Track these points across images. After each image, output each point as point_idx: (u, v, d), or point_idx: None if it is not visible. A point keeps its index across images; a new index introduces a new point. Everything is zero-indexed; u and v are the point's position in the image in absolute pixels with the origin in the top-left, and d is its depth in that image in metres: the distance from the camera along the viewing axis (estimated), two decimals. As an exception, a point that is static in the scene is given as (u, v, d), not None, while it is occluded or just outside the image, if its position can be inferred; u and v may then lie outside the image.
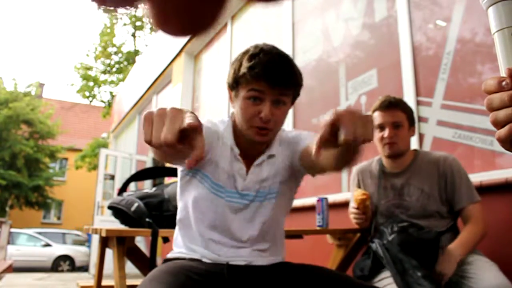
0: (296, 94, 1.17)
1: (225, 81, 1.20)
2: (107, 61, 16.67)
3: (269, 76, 1.07)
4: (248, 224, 1.16)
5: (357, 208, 1.69)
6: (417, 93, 2.34)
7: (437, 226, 1.59)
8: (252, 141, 1.16)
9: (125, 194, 1.93)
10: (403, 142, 1.65)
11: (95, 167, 13.93)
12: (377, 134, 1.70)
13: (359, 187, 1.83)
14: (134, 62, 15.22)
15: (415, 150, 1.73)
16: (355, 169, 1.88)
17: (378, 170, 1.75)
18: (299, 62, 3.48)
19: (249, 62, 1.08)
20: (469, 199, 1.56)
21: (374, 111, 1.70)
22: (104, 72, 16.63)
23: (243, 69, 1.09)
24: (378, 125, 1.69)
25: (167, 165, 1.21)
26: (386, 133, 1.66)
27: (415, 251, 1.53)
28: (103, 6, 0.19)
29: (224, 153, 1.15)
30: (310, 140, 1.15)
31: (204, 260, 1.11)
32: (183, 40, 5.73)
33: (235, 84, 1.13)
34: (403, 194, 1.65)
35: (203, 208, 1.15)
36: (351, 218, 1.79)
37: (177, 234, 1.22)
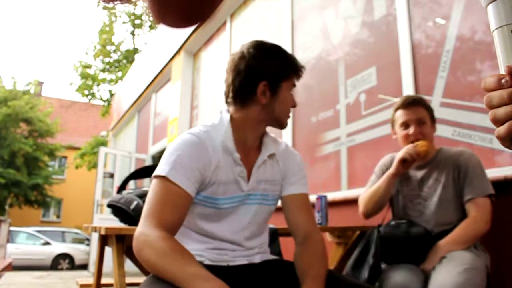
0: None
1: (261, 78, 1.18)
2: (106, 59, 16.65)
3: (300, 70, 1.25)
4: (248, 225, 1.17)
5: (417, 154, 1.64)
6: (416, 91, 2.34)
7: (456, 219, 1.59)
8: (260, 132, 1.23)
9: (124, 192, 1.94)
10: (427, 138, 1.68)
11: (94, 166, 13.93)
12: (401, 132, 1.71)
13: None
14: (133, 60, 15.20)
15: (440, 147, 1.76)
16: (388, 156, 1.89)
17: None
18: (298, 60, 3.47)
19: (294, 58, 1.25)
20: (477, 192, 1.56)
21: (396, 109, 1.74)
22: (103, 70, 16.62)
23: (295, 66, 1.24)
24: (402, 123, 1.70)
25: None
26: (411, 130, 1.67)
27: (401, 246, 1.58)
28: (103, 2, 0.20)
29: (222, 163, 1.13)
30: (299, 190, 1.24)
31: (206, 262, 1.11)
32: (182, 37, 5.73)
33: (280, 77, 1.21)
34: (423, 185, 1.70)
35: (205, 222, 1.14)
36: (407, 149, 1.66)
37: (177, 236, 1.21)
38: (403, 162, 1.65)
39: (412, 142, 1.68)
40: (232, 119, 1.19)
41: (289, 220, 1.22)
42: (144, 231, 0.96)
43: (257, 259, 1.17)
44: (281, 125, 1.24)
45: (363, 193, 1.83)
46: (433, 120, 1.74)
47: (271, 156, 1.23)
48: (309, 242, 1.14)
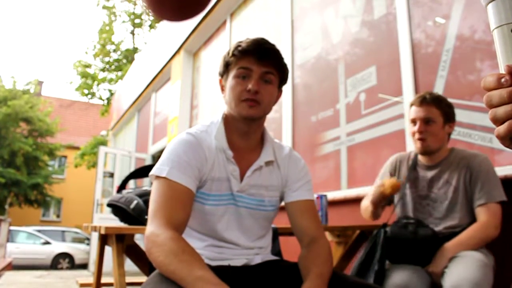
0: (282, 79, 1.22)
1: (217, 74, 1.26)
2: (106, 59, 16.64)
3: (255, 51, 1.15)
4: (243, 227, 1.17)
5: (383, 188, 1.65)
6: (416, 90, 2.34)
7: (465, 222, 1.60)
8: (244, 127, 1.18)
9: (124, 191, 1.93)
10: (433, 138, 1.67)
11: (94, 165, 13.93)
12: (410, 128, 1.74)
13: (394, 173, 1.84)
14: (133, 59, 15.20)
15: (452, 148, 1.75)
16: (394, 156, 1.90)
17: (412, 160, 1.79)
18: (298, 59, 3.48)
19: (237, 44, 1.19)
20: (489, 197, 1.56)
21: (411, 105, 1.75)
22: (103, 69, 16.61)
23: (231, 51, 1.18)
24: (412, 119, 1.72)
25: None
26: (416, 127, 1.69)
27: (408, 247, 1.57)
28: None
29: (217, 161, 1.15)
30: (302, 196, 1.22)
31: (205, 261, 1.11)
32: (182, 37, 5.72)
33: (225, 68, 1.21)
34: (432, 186, 1.69)
35: (202, 220, 1.14)
36: (372, 194, 1.70)
37: None
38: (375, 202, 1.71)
39: (419, 139, 1.68)
40: (225, 116, 1.22)
41: (294, 225, 1.21)
42: (154, 230, 0.97)
43: (257, 259, 1.16)
44: (240, 116, 1.16)
45: (363, 200, 1.83)
46: (448, 119, 1.70)
47: (269, 163, 1.22)
48: (315, 245, 1.14)
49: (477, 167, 1.61)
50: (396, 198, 1.81)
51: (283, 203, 1.27)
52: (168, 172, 1.06)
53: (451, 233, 1.58)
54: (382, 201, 1.69)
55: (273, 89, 1.19)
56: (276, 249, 1.53)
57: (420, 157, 1.78)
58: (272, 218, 1.25)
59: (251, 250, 1.17)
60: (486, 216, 1.54)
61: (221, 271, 0.98)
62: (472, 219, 1.59)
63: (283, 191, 1.25)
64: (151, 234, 0.96)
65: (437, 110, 1.67)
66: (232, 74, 1.17)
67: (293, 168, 1.26)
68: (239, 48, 1.16)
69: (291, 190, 1.24)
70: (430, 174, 1.71)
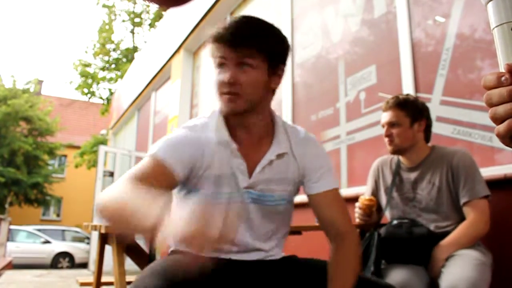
0: (273, 57, 1.07)
1: None
2: (106, 58, 16.63)
3: (226, 38, 1.02)
4: (257, 228, 1.10)
5: (363, 211, 1.78)
6: (416, 89, 2.34)
7: (454, 221, 1.60)
8: (239, 121, 1.10)
9: (124, 190, 1.93)
10: (401, 139, 1.70)
11: (94, 164, 13.93)
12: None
13: (378, 179, 1.87)
14: (132, 58, 15.18)
15: (432, 146, 1.76)
16: (375, 162, 1.92)
17: (395, 163, 1.81)
18: (298, 58, 3.47)
19: (214, 29, 1.06)
20: (473, 194, 1.56)
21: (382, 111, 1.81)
22: (102, 69, 16.59)
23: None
24: (381, 125, 1.78)
25: None
26: (384, 132, 1.76)
27: (404, 246, 1.58)
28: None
29: (218, 155, 1.05)
30: (325, 187, 1.12)
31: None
32: (182, 36, 5.72)
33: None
34: (416, 188, 1.71)
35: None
36: (355, 216, 1.83)
37: None
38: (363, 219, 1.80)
39: (387, 142, 1.75)
40: None
41: (320, 218, 1.13)
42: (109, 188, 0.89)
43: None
44: (223, 109, 1.08)
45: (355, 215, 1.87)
46: (416, 118, 1.71)
47: (281, 156, 1.10)
48: (343, 244, 1.07)
49: (456, 164, 1.62)
50: (383, 202, 1.82)
51: (297, 199, 1.21)
52: (156, 152, 1.00)
53: (443, 232, 1.58)
54: (369, 218, 1.79)
55: (257, 73, 1.04)
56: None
57: (402, 160, 1.79)
58: (284, 214, 1.16)
59: (261, 252, 1.10)
60: (474, 213, 1.54)
61: (229, 265, 0.96)
62: (462, 216, 1.59)
63: (301, 182, 1.15)
64: (105, 190, 0.87)
65: (400, 113, 1.71)
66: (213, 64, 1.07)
67: (312, 155, 1.14)
68: (211, 38, 1.05)
69: (312, 180, 1.13)
70: (413, 176, 1.73)
